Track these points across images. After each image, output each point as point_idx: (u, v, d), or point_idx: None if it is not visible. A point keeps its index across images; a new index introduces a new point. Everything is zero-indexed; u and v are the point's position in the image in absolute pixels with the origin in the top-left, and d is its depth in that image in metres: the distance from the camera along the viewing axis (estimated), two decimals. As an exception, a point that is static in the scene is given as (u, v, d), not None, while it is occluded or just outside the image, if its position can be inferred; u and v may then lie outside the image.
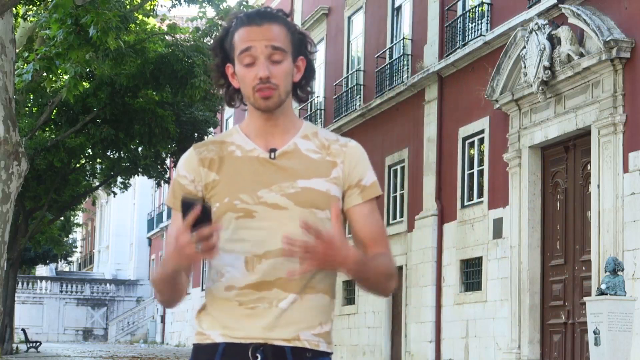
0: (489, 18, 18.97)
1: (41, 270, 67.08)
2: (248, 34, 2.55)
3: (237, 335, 2.52)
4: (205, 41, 24.65)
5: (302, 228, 2.37)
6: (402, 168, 22.48)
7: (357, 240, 2.62)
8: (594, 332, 11.98)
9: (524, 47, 16.68)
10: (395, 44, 23.41)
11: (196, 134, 28.03)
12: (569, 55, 15.65)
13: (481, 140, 19.07)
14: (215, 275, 2.57)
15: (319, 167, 2.59)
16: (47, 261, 54.65)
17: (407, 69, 22.38)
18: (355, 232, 2.62)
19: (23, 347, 35.65)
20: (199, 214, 2.34)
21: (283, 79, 2.56)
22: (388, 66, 23.41)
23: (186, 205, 2.36)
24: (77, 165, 30.66)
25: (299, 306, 2.52)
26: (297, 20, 30.12)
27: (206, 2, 24.03)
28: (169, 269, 2.46)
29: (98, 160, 30.82)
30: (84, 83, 22.63)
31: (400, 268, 21.91)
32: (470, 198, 19.37)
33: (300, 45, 2.63)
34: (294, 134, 2.62)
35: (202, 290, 42.44)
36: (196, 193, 2.59)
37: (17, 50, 16.49)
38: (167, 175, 31.90)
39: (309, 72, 2.67)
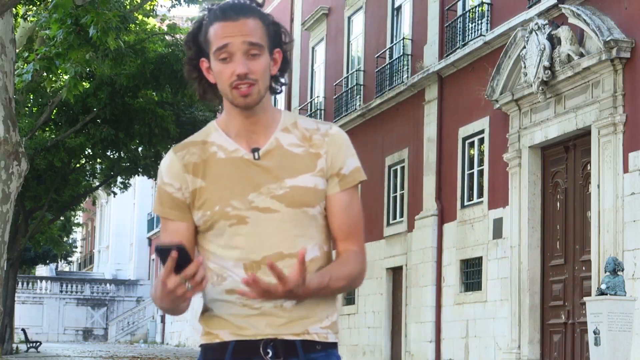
0: (489, 18, 18.97)
1: (41, 270, 67.06)
2: (223, 29, 2.50)
3: (246, 334, 2.52)
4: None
5: (268, 268, 2.36)
6: (402, 168, 22.48)
7: (331, 229, 2.60)
8: (594, 332, 11.98)
9: (524, 47, 16.68)
10: (395, 44, 23.41)
11: (196, 134, 28.02)
12: (569, 55, 15.64)
13: (481, 140, 19.07)
14: (214, 278, 2.55)
15: (304, 161, 2.56)
16: (47, 261, 54.62)
17: (407, 69, 22.38)
18: (329, 222, 2.59)
19: (23, 347, 35.65)
20: (177, 258, 2.32)
21: (261, 73, 2.51)
22: (388, 66, 23.41)
23: (162, 252, 2.34)
24: (77, 165, 30.68)
25: (305, 303, 2.51)
26: (297, 20, 30.14)
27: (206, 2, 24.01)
28: (167, 306, 2.45)
29: (98, 160, 30.84)
30: (84, 83, 22.64)
31: (400, 268, 21.92)
32: (470, 198, 19.37)
33: (276, 37, 2.58)
34: (274, 128, 2.58)
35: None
36: (184, 200, 2.56)
37: (17, 50, 16.49)
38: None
39: (284, 64, 2.61)
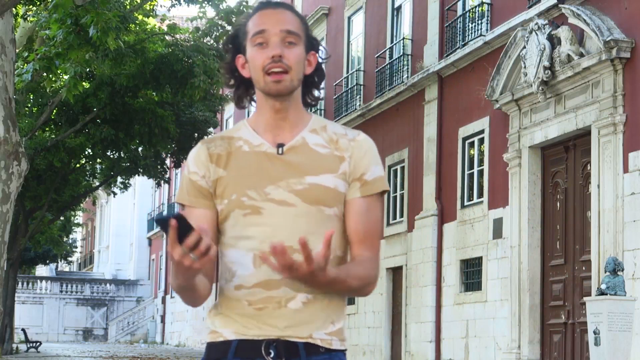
0: (489, 18, 18.97)
1: (41, 270, 67.05)
2: (262, 17, 2.56)
3: (250, 333, 2.52)
4: (205, 41, 24.64)
5: (300, 244, 2.31)
6: (402, 168, 22.49)
7: (347, 232, 2.58)
8: (594, 332, 11.98)
9: (524, 47, 16.68)
10: (395, 44, 23.42)
11: (196, 134, 28.05)
12: (569, 55, 15.65)
13: (481, 140, 19.08)
14: (226, 274, 2.56)
15: (328, 162, 2.56)
16: (47, 261, 54.59)
17: (407, 69, 22.39)
18: (346, 225, 2.57)
19: (23, 347, 35.64)
20: (177, 226, 2.29)
21: (295, 62, 2.54)
22: (388, 66, 23.42)
23: (162, 223, 2.31)
24: (77, 165, 30.67)
25: (310, 307, 2.51)
26: (297, 20, 30.13)
27: (206, 2, 24.02)
28: (182, 282, 2.45)
29: (98, 160, 30.81)
30: (84, 83, 22.63)
31: (400, 268, 21.92)
32: (470, 198, 19.37)
33: (313, 43, 2.63)
34: (302, 128, 2.59)
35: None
36: (207, 188, 2.58)
37: (17, 50, 16.49)
38: (167, 175, 31.90)
39: (319, 74, 2.65)
